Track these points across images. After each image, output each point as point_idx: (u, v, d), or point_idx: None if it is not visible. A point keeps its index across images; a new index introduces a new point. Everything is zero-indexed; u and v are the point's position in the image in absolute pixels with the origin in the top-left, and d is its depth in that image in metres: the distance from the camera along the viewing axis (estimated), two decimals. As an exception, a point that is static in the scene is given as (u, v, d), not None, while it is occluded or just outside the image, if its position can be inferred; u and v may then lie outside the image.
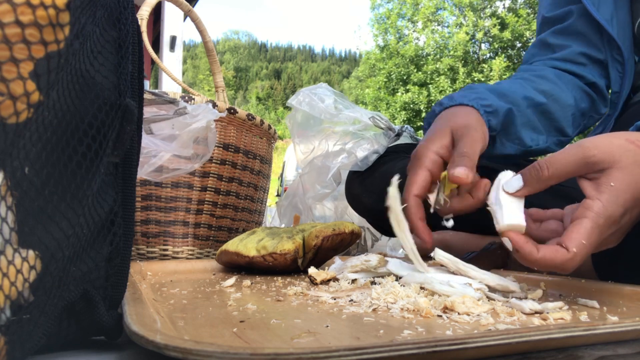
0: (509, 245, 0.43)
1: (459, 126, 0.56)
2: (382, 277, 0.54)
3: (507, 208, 0.44)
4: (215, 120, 0.72)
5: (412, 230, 0.51)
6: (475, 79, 15.40)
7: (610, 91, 0.83)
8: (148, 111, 0.67)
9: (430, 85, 15.90)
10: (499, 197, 0.45)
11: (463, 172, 0.48)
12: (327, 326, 0.34)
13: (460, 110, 0.62)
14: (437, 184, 0.53)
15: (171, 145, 0.66)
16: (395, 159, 0.91)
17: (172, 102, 0.69)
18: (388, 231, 0.99)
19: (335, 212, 1.09)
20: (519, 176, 0.44)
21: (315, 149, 1.04)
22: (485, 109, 0.64)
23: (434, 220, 0.84)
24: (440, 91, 15.60)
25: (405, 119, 15.60)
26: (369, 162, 0.93)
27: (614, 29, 0.76)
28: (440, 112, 0.64)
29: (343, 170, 0.99)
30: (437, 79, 15.88)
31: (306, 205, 1.05)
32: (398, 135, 0.97)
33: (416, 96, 15.62)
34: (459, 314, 0.38)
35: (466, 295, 0.41)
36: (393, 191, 0.49)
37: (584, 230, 0.40)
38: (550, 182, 0.43)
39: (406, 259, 0.73)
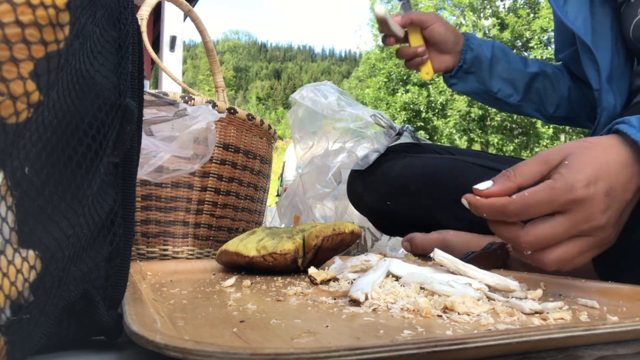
0: (465, 203, 0.48)
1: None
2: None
3: None
4: (215, 121, 0.72)
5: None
6: (475, 79, 15.37)
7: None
8: (148, 112, 0.67)
9: (430, 86, 15.90)
10: None
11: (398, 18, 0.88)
12: (327, 326, 0.34)
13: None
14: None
15: (171, 145, 0.66)
16: (396, 158, 0.91)
17: (172, 103, 0.69)
18: (389, 230, 0.99)
19: (335, 212, 1.09)
20: (488, 181, 0.47)
21: (315, 146, 1.04)
22: (470, 43, 0.94)
23: (433, 221, 0.84)
24: (440, 91, 15.60)
25: (405, 119, 15.60)
26: (369, 161, 0.93)
27: (587, 33, 0.82)
28: None
29: (343, 169, 0.98)
30: (437, 79, 15.87)
31: (306, 205, 1.05)
32: (399, 134, 0.97)
33: (416, 96, 15.62)
34: (459, 314, 0.38)
35: (466, 295, 0.41)
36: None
37: (534, 188, 0.44)
38: (517, 182, 0.46)
39: (406, 258, 0.73)
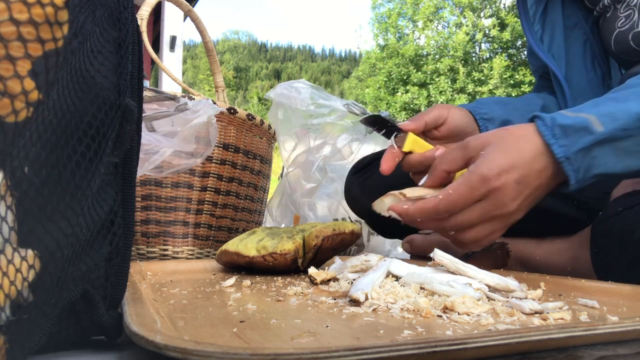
0: (392, 214, 0.53)
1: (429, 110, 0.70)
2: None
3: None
4: (215, 115, 0.72)
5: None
6: (476, 78, 15.41)
7: None
8: (149, 108, 0.67)
9: (430, 86, 15.91)
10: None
11: (407, 124, 0.63)
12: (327, 326, 0.34)
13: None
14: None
15: (173, 140, 0.66)
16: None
17: (173, 98, 0.69)
18: (387, 232, 0.98)
19: (329, 210, 1.09)
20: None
21: (298, 145, 1.04)
22: (482, 115, 0.73)
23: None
24: (440, 91, 15.61)
25: (405, 119, 15.61)
26: (364, 159, 0.93)
27: (561, 63, 0.82)
28: None
29: (327, 163, 0.99)
30: (437, 79, 15.89)
31: (296, 203, 1.05)
32: None
33: (416, 96, 15.64)
34: (459, 314, 0.38)
35: (466, 295, 0.41)
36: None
37: (455, 184, 0.49)
38: (444, 168, 0.52)
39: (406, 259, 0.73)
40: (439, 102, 15.51)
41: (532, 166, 0.49)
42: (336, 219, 1.04)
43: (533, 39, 0.84)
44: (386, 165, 0.61)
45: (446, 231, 0.51)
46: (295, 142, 1.05)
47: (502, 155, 0.49)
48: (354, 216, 1.04)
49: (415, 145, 0.61)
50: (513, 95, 14.62)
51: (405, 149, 0.60)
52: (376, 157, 0.94)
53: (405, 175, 0.89)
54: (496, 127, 0.74)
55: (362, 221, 1.04)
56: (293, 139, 1.05)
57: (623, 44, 0.71)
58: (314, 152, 1.00)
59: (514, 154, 0.49)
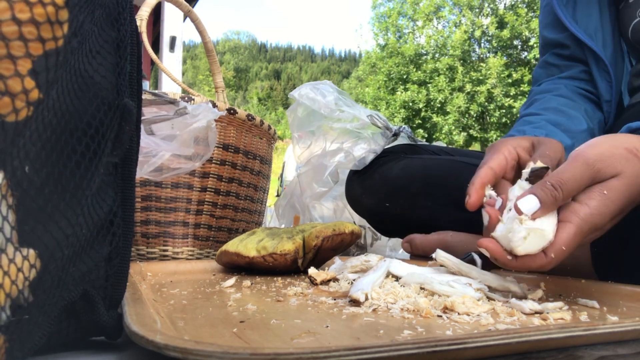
0: (486, 253, 0.42)
1: (538, 138, 0.55)
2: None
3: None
4: (215, 120, 0.72)
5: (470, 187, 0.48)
6: (474, 77, 15.43)
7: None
8: (148, 111, 0.67)
9: (429, 85, 15.95)
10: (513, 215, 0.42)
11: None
12: (327, 326, 0.34)
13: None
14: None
15: (171, 144, 0.66)
16: (394, 159, 0.91)
17: (173, 102, 0.69)
18: (387, 232, 0.99)
19: (334, 212, 1.09)
20: (533, 197, 0.41)
21: (313, 145, 1.04)
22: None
23: (433, 222, 0.84)
24: (439, 90, 15.63)
25: (404, 117, 15.66)
26: (366, 162, 0.93)
27: (599, 43, 0.78)
28: None
29: (340, 169, 0.99)
30: (437, 78, 15.91)
31: (304, 204, 1.05)
32: (395, 135, 0.97)
33: (415, 95, 15.67)
34: (459, 314, 0.38)
35: (466, 295, 0.41)
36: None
37: (566, 236, 0.40)
38: (564, 199, 0.41)
39: (407, 260, 0.73)
40: (437, 100, 15.52)
41: None
42: None
43: (559, 5, 0.79)
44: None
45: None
46: (310, 141, 1.05)
47: (621, 201, 0.42)
48: (358, 218, 1.04)
49: None
50: (511, 93, 14.58)
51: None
52: (376, 157, 0.94)
53: (407, 178, 0.87)
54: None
55: (366, 226, 1.04)
56: (309, 137, 1.05)
57: None
58: (328, 157, 1.00)
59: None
